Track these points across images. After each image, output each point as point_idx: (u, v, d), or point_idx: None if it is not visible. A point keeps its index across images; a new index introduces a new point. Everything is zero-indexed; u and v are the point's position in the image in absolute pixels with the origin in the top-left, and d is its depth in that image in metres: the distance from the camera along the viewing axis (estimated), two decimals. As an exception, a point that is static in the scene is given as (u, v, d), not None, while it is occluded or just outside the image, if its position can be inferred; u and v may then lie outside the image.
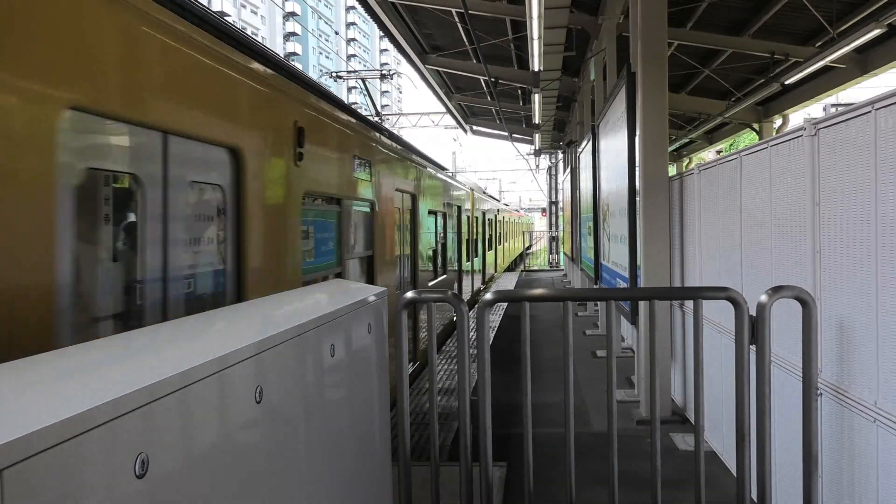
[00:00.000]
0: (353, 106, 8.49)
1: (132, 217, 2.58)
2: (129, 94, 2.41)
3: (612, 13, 9.97)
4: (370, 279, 6.13)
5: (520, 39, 13.05)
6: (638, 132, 6.23)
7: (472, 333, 8.27)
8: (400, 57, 16.31)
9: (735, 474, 3.00)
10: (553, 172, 34.23)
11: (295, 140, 4.04)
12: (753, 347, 2.90)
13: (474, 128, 26.63)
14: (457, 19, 12.94)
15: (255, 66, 3.55)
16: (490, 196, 24.22)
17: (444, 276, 11.27)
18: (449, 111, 22.56)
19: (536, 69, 9.96)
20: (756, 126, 17.01)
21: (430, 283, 9.85)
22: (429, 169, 9.20)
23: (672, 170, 15.04)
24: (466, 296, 14.00)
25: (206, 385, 1.44)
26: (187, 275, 2.93)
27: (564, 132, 23.11)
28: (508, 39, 13.47)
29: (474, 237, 15.97)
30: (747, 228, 4.36)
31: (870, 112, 2.80)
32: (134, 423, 1.17)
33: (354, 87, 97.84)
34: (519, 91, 18.66)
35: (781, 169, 3.77)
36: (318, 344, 2.19)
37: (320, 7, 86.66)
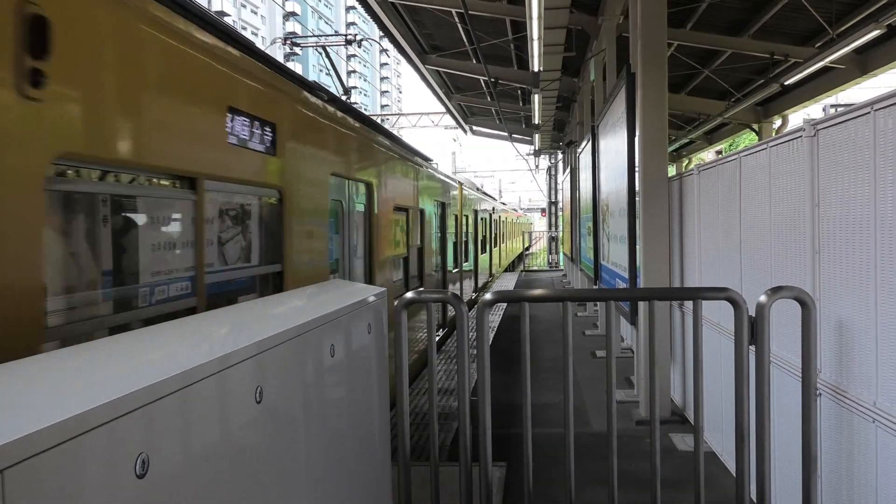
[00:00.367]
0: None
1: None
2: None
3: (612, 14, 9.97)
4: None
5: (520, 40, 13.05)
6: (638, 132, 6.23)
7: (472, 334, 8.27)
8: (400, 57, 16.24)
9: (734, 474, 3.00)
10: (552, 173, 34.23)
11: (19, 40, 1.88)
12: (753, 348, 2.90)
13: (474, 128, 26.63)
14: (457, 19, 12.94)
15: None
16: (485, 193, 22.79)
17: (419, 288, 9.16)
18: (449, 111, 22.57)
19: (536, 69, 9.96)
20: (756, 126, 17.02)
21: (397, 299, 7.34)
22: (395, 153, 7.01)
23: (672, 170, 15.05)
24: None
25: (206, 385, 1.44)
26: None
27: (564, 132, 23.11)
28: (508, 40, 13.47)
29: (463, 239, 13.84)
30: (747, 229, 4.36)
31: (869, 113, 2.80)
32: (134, 423, 1.18)
33: (354, 88, 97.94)
34: (519, 91, 18.66)
35: (781, 170, 3.77)
36: (319, 344, 2.20)
37: (320, 7, 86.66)
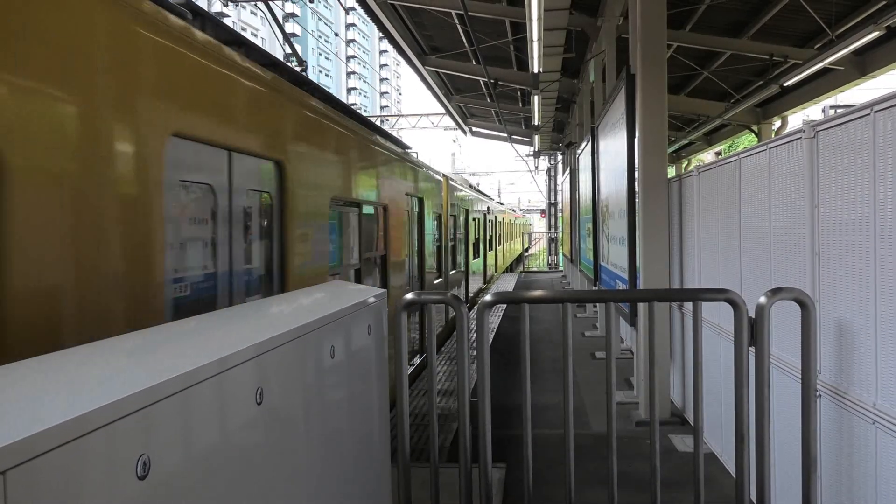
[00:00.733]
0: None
1: None
2: None
3: (612, 15, 9.99)
4: None
5: (519, 41, 13.06)
6: (637, 134, 6.24)
7: (471, 335, 8.27)
8: (399, 58, 16.22)
9: (734, 475, 3.00)
10: (552, 174, 34.27)
11: None
12: (753, 349, 2.91)
13: (474, 129, 26.66)
14: (456, 21, 12.95)
15: None
16: (479, 191, 20.93)
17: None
18: (448, 112, 22.59)
19: (536, 71, 9.97)
20: (755, 128, 17.04)
21: None
22: (341, 126, 5.05)
23: (671, 171, 15.05)
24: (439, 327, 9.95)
25: (206, 386, 1.44)
26: None
27: (564, 133, 23.13)
28: (508, 41, 13.49)
29: (450, 243, 11.68)
30: (746, 230, 4.37)
31: (868, 114, 2.81)
32: (135, 424, 1.18)
33: (354, 89, 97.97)
34: (518, 92, 18.68)
35: (780, 171, 3.77)
36: (319, 345, 2.20)
37: (320, 8, 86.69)
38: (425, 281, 8.92)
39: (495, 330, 12.02)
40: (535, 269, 34.63)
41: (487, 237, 19.71)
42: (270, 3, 8.71)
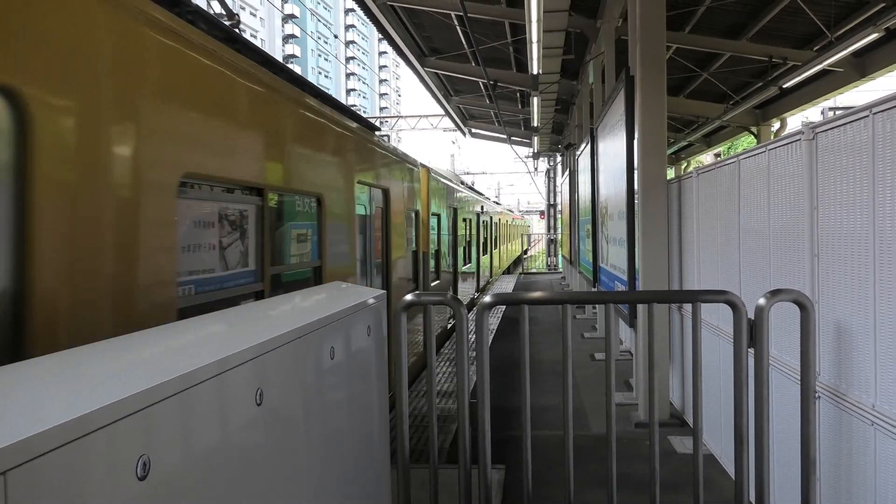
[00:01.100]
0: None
1: None
2: None
3: (611, 17, 10.00)
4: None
5: (519, 42, 13.08)
6: (636, 135, 6.25)
7: (471, 336, 8.27)
8: (399, 59, 16.21)
9: (733, 477, 3.00)
10: (551, 175, 34.28)
11: None
12: (752, 351, 2.91)
13: (473, 130, 26.67)
14: (456, 22, 12.97)
15: None
16: (472, 189, 18.96)
17: None
18: (448, 114, 22.60)
19: (535, 72, 9.98)
20: (754, 129, 17.07)
21: None
22: (257, 80, 3.52)
23: (670, 173, 15.06)
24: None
25: (206, 387, 1.44)
26: None
27: (563, 135, 23.15)
28: (507, 42, 13.50)
29: (432, 246, 9.77)
30: (745, 232, 4.37)
31: (867, 116, 2.81)
32: (135, 425, 1.18)
33: (353, 90, 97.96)
34: (518, 94, 18.70)
35: (779, 173, 3.78)
36: (318, 346, 2.20)
37: (319, 9, 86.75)
38: (392, 293, 6.79)
39: (495, 331, 12.03)
40: (534, 270, 34.64)
41: (481, 240, 17.81)
42: None
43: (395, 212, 6.95)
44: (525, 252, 38.93)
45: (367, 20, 12.39)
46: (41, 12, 1.94)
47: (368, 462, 2.79)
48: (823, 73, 11.93)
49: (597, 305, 12.10)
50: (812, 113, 20.00)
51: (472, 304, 14.89)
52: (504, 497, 4.58)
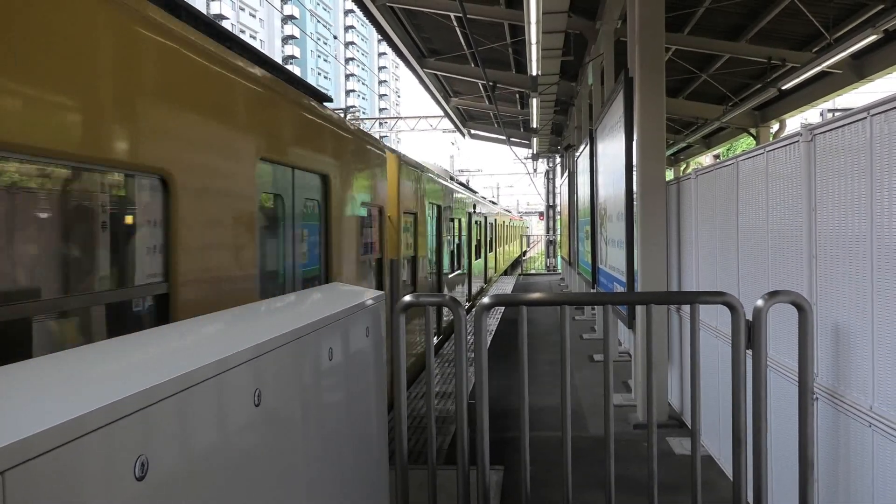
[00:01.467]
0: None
1: None
2: None
3: (610, 18, 10.01)
4: None
5: (518, 44, 13.08)
6: (635, 136, 6.25)
7: (469, 337, 8.27)
8: (398, 60, 16.21)
9: (731, 478, 3.01)
10: (551, 176, 34.29)
11: None
12: (750, 352, 2.91)
13: (472, 131, 26.68)
14: (455, 23, 12.97)
15: None
16: (462, 185, 16.76)
17: None
18: (447, 115, 22.61)
19: (534, 73, 10.00)
20: (753, 131, 17.08)
21: None
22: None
23: (669, 174, 15.06)
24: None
25: (205, 388, 1.44)
26: None
27: (562, 136, 23.16)
28: (507, 44, 13.51)
29: (406, 252, 8.09)
30: (744, 233, 4.38)
31: (865, 118, 2.82)
32: (134, 425, 1.18)
33: (352, 91, 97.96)
34: (517, 95, 18.71)
35: (778, 174, 3.78)
36: (317, 347, 2.20)
37: (319, 10, 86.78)
38: None
39: (493, 332, 12.03)
40: (533, 271, 34.63)
41: (472, 243, 15.79)
42: None
43: (339, 207, 4.98)
44: (524, 254, 38.78)
45: (367, 21, 12.39)
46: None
47: (367, 463, 2.79)
48: (822, 74, 11.94)
49: (596, 307, 12.11)
50: (811, 114, 20.02)
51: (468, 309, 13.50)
52: (502, 498, 4.58)
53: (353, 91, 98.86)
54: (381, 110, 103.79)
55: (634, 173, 6.36)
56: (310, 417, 2.12)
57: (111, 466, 1.12)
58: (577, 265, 14.66)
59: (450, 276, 11.88)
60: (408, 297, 3.12)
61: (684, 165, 25.77)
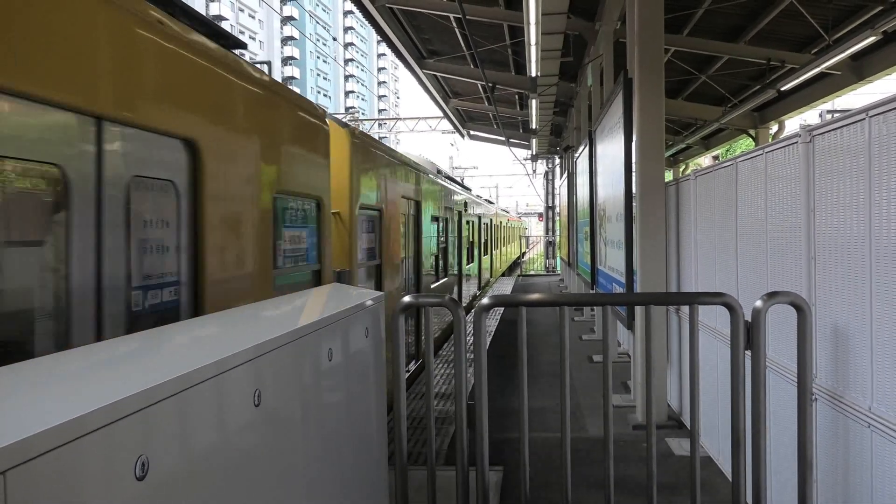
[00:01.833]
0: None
1: None
2: None
3: (609, 19, 10.02)
4: None
5: (517, 45, 13.10)
6: (634, 137, 6.26)
7: (469, 338, 8.27)
8: (397, 61, 16.21)
9: (731, 479, 3.01)
10: (550, 177, 34.29)
11: None
12: (749, 353, 2.92)
13: (471, 132, 26.68)
14: (454, 24, 12.98)
15: None
16: (451, 179, 14.09)
17: None
18: (446, 116, 22.61)
19: (534, 74, 10.00)
20: (752, 132, 17.09)
21: None
22: None
23: (668, 175, 15.05)
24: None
25: (205, 388, 1.45)
26: None
27: (561, 137, 23.17)
28: (506, 45, 13.51)
29: (368, 262, 6.32)
30: (743, 234, 4.38)
31: (864, 119, 2.83)
32: (134, 425, 1.18)
33: (352, 92, 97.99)
34: (516, 96, 18.73)
35: (777, 175, 3.79)
36: (316, 348, 2.20)
37: (318, 11, 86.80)
38: None
39: (493, 333, 12.03)
40: (532, 272, 34.63)
41: (464, 246, 14.12)
42: None
43: (219, 192, 3.10)
44: (523, 255, 38.66)
45: (366, 22, 12.39)
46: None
47: (366, 463, 2.79)
48: (821, 76, 11.95)
49: (595, 307, 12.11)
50: (810, 116, 20.05)
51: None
52: (502, 499, 4.58)
53: (352, 92, 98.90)
54: (380, 111, 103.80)
55: (633, 174, 6.37)
56: (309, 418, 2.12)
57: (111, 466, 1.13)
58: (577, 266, 14.66)
59: (433, 284, 10.14)
60: (407, 298, 3.13)
61: (683, 166, 25.79)
